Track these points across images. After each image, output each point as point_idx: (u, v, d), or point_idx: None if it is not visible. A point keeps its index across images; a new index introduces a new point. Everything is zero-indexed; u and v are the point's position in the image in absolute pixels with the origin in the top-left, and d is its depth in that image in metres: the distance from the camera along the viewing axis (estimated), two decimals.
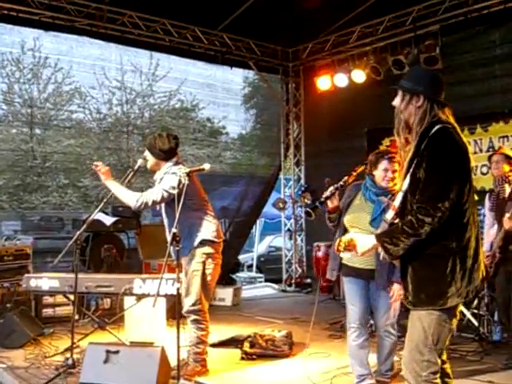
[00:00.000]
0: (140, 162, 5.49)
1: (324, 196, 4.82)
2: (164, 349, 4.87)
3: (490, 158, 6.65)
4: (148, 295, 5.66)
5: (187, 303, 5.34)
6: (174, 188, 4.97)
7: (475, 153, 8.70)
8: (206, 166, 5.06)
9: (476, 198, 3.26)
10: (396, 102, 3.29)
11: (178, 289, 4.65)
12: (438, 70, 8.64)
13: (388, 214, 3.28)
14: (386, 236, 3.13)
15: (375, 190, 4.77)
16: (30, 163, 20.56)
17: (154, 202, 5.25)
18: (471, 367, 5.71)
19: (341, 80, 9.96)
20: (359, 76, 9.61)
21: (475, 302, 6.65)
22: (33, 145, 20.65)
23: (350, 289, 4.91)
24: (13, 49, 19.81)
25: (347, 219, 4.82)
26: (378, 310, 4.89)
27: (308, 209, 4.91)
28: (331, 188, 4.83)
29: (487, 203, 6.63)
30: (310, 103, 11.37)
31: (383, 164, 4.78)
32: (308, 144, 11.62)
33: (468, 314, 6.78)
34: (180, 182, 4.96)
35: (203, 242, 5.35)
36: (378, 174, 4.77)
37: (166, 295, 5.47)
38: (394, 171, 4.73)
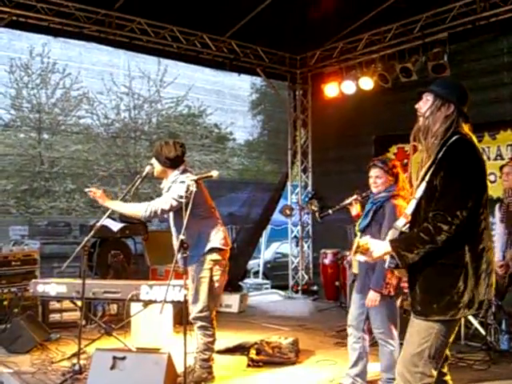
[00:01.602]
0: (148, 168, 5.49)
1: (336, 207, 5.16)
2: (170, 355, 4.87)
3: (501, 168, 6.63)
4: (155, 301, 5.67)
5: (195, 310, 5.34)
6: (182, 197, 5.00)
7: None
8: (214, 173, 5.07)
9: None
10: (423, 105, 3.27)
11: (185, 295, 4.66)
12: (446, 78, 8.65)
13: (399, 221, 3.27)
14: (401, 242, 3.11)
15: (370, 196, 5.05)
16: (38, 168, 20.66)
17: (163, 211, 5.25)
18: (478, 376, 5.69)
19: (348, 87, 9.97)
20: (367, 83, 9.61)
21: (483, 311, 6.62)
22: (40, 150, 20.74)
23: (353, 291, 5.14)
24: (22, 54, 19.98)
25: (357, 224, 5.11)
26: (371, 319, 4.98)
27: (318, 216, 5.12)
28: (349, 199, 5.17)
29: (497, 213, 6.61)
30: (318, 110, 11.38)
31: (370, 172, 5.01)
32: (315, 151, 11.62)
33: (475, 323, 6.75)
34: (188, 188, 4.98)
35: (211, 250, 5.35)
36: (369, 181, 5.02)
37: (172, 302, 5.48)
38: (376, 177, 4.95)
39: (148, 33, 9.30)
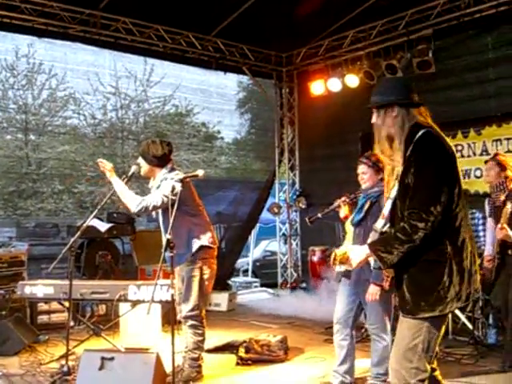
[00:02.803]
0: (134, 168, 5.48)
1: (325, 211, 5.19)
2: (159, 355, 4.87)
3: (486, 163, 6.67)
4: (143, 301, 5.67)
5: (185, 309, 5.34)
6: (171, 194, 5.01)
7: (468, 156, 8.73)
8: (200, 173, 5.07)
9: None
10: (373, 119, 3.31)
11: (172, 295, 4.66)
12: (431, 74, 8.68)
13: (378, 222, 3.27)
14: (380, 244, 3.10)
15: (362, 193, 5.09)
16: (25, 169, 20.57)
17: (155, 207, 5.25)
18: (466, 370, 5.72)
19: (334, 85, 9.99)
20: (353, 80, 9.64)
21: (470, 305, 6.66)
22: (27, 151, 20.65)
23: (339, 288, 5.14)
24: (7, 55, 19.88)
25: (347, 223, 5.19)
26: (367, 313, 5.00)
27: (308, 221, 5.15)
28: (337, 202, 5.20)
29: (487, 208, 6.65)
30: (304, 108, 11.39)
31: (358, 169, 5.08)
32: (302, 149, 11.63)
33: (463, 318, 6.80)
34: (174, 188, 4.99)
35: (201, 248, 5.36)
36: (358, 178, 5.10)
37: (160, 301, 5.48)
38: (362, 173, 5.03)
39: (133, 32, 9.27)
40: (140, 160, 5.48)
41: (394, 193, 3.18)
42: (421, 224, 2.93)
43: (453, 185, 3.06)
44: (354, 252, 3.23)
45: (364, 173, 5.00)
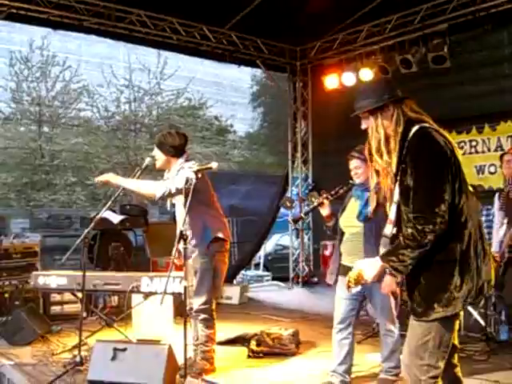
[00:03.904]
0: (148, 160, 5.46)
1: (305, 211, 5.03)
2: (171, 347, 4.88)
3: (501, 157, 6.63)
4: (155, 293, 5.68)
5: (197, 302, 5.33)
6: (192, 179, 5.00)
7: (483, 152, 8.68)
8: (214, 165, 5.06)
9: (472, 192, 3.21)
10: (366, 125, 3.20)
11: (185, 287, 4.66)
12: (446, 69, 8.64)
13: (386, 228, 3.19)
14: (391, 255, 3.02)
15: (356, 187, 5.00)
16: (38, 161, 20.68)
17: (177, 190, 5.14)
18: (478, 367, 5.70)
19: (348, 79, 9.96)
20: (367, 75, 9.59)
21: (482, 301, 6.63)
22: (41, 143, 20.75)
23: (339, 288, 5.00)
24: (21, 47, 20.00)
25: (341, 221, 5.05)
26: (375, 309, 4.96)
27: (291, 220, 5.04)
28: (320, 199, 5.08)
29: (496, 202, 6.62)
30: (318, 102, 11.36)
31: (350, 164, 5.04)
32: (315, 143, 11.61)
33: (475, 314, 6.76)
34: (187, 180, 4.98)
35: (215, 241, 5.36)
36: (351, 173, 5.04)
37: (173, 293, 5.49)
38: (355, 167, 4.98)
39: (147, 25, 9.28)
40: (156, 152, 5.44)
41: (397, 196, 3.10)
42: (429, 227, 2.87)
43: (454, 180, 2.99)
44: (367, 267, 3.14)
45: (357, 167, 4.95)
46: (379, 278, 3.21)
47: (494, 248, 6.42)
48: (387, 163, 3.11)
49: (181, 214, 5.34)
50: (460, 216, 2.99)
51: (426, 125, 3.06)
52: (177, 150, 5.40)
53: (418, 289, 3.03)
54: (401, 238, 2.99)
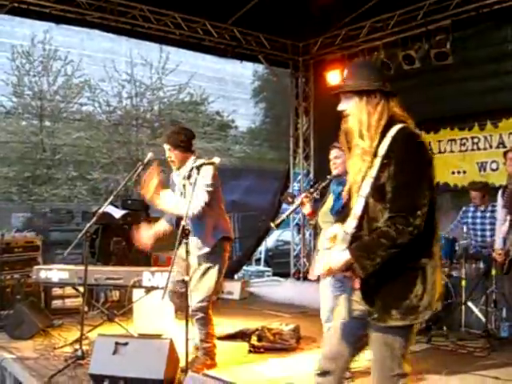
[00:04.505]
0: (150, 155, 5.43)
1: (286, 213, 4.96)
2: (172, 341, 4.89)
3: (505, 154, 6.64)
4: (157, 288, 5.69)
5: (196, 299, 5.27)
6: (209, 185, 5.11)
7: (485, 149, 8.68)
8: (216, 160, 5.05)
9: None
10: (345, 107, 3.02)
11: (186, 282, 4.66)
12: (449, 65, 8.62)
13: (349, 223, 2.97)
14: (362, 250, 2.83)
15: (333, 181, 5.07)
16: (40, 155, 20.66)
17: (206, 203, 5.14)
18: (478, 363, 5.72)
19: None
20: None
21: (483, 298, 6.65)
22: (42, 137, 20.73)
23: (320, 286, 5.03)
24: (23, 41, 19.95)
25: (319, 217, 5.09)
26: None
27: (273, 225, 4.95)
28: (299, 199, 5.04)
29: (500, 200, 6.62)
30: (320, 98, 11.34)
31: (329, 155, 5.19)
32: (317, 138, 11.59)
33: (476, 310, 6.78)
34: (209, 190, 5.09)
35: (224, 239, 5.35)
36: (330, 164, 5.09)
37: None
38: (334, 157, 5.10)
39: (150, 20, 9.27)
40: (172, 153, 5.30)
41: (366, 190, 2.91)
42: (407, 228, 2.73)
43: (432, 186, 2.87)
44: (333, 258, 2.92)
45: (337, 157, 4.94)
46: (346, 270, 2.94)
47: (498, 245, 6.44)
48: (369, 148, 2.92)
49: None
50: (431, 225, 2.87)
51: (412, 126, 2.94)
52: (191, 145, 5.39)
53: (378, 292, 2.88)
54: (374, 236, 2.83)
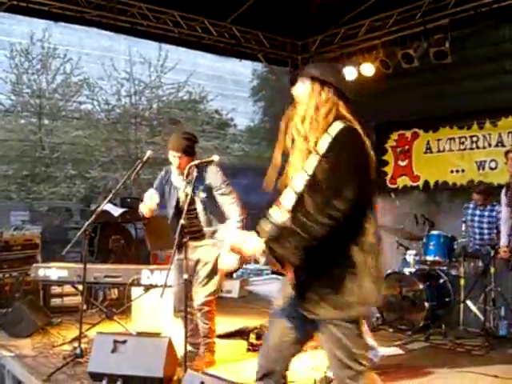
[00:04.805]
0: (149, 153, 5.44)
1: None
2: (171, 339, 4.89)
3: (506, 153, 6.69)
4: (156, 286, 5.70)
5: (204, 293, 5.30)
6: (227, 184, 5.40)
7: (484, 148, 8.69)
8: (215, 158, 5.07)
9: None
10: (299, 90, 3.05)
11: (185, 279, 4.67)
12: (448, 64, 8.62)
13: (276, 214, 2.98)
14: (275, 238, 2.81)
15: None
16: (39, 154, 20.67)
17: None
18: (477, 361, 5.73)
19: (350, 73, 9.92)
20: (368, 69, 9.58)
21: (482, 296, 6.66)
22: (41, 135, 20.74)
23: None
24: (22, 39, 19.94)
25: None
26: None
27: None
28: None
29: (503, 198, 6.68)
30: None
31: None
32: None
33: (474, 309, 6.79)
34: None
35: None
36: None
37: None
38: None
39: (149, 18, 9.26)
40: (180, 160, 5.27)
41: (300, 185, 2.90)
42: (324, 220, 2.70)
43: (365, 185, 2.85)
44: (250, 241, 2.88)
45: None
46: (255, 258, 2.92)
47: (503, 242, 6.50)
48: (304, 140, 2.93)
49: (204, 210, 5.32)
50: (364, 223, 2.88)
51: (351, 123, 2.96)
52: (195, 149, 5.41)
53: (313, 287, 2.86)
54: (289, 224, 2.82)
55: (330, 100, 3.00)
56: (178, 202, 5.39)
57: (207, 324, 5.38)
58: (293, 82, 3.20)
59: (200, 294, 5.32)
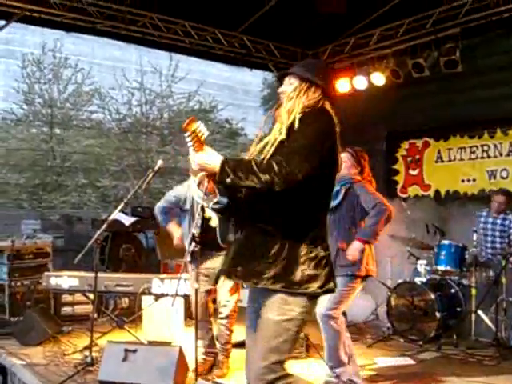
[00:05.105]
0: (160, 162, 5.45)
1: None
2: (182, 348, 4.90)
3: None
4: (166, 295, 5.71)
5: (234, 299, 5.51)
6: None
7: (495, 156, 8.66)
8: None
9: None
10: (287, 88, 3.07)
11: (196, 289, 4.68)
12: (458, 74, 8.62)
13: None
14: (233, 165, 2.73)
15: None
16: (50, 163, 20.77)
17: None
18: (488, 372, 5.69)
19: (360, 82, 9.93)
20: (379, 79, 9.58)
21: (493, 306, 6.63)
22: (53, 144, 20.85)
23: None
24: (34, 50, 20.09)
25: None
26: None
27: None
28: None
29: None
30: None
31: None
32: None
33: (486, 319, 6.75)
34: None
35: None
36: None
37: (184, 295, 5.52)
38: (342, 161, 4.98)
39: (160, 28, 9.31)
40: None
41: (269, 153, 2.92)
42: (276, 168, 2.67)
43: (328, 160, 2.89)
44: (210, 155, 2.80)
45: (344, 161, 5.01)
46: (200, 169, 2.83)
47: None
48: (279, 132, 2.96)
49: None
50: (322, 211, 2.94)
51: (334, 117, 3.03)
52: None
53: (267, 255, 2.82)
54: (255, 160, 2.80)
55: (315, 99, 3.03)
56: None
57: (231, 331, 5.45)
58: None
59: (230, 302, 5.42)
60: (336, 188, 4.95)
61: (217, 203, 2.90)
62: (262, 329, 2.92)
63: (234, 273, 2.93)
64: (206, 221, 4.84)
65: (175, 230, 5.76)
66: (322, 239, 2.95)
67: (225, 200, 2.89)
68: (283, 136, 2.90)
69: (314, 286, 2.88)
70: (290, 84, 3.07)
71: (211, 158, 2.76)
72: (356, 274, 4.80)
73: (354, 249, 4.77)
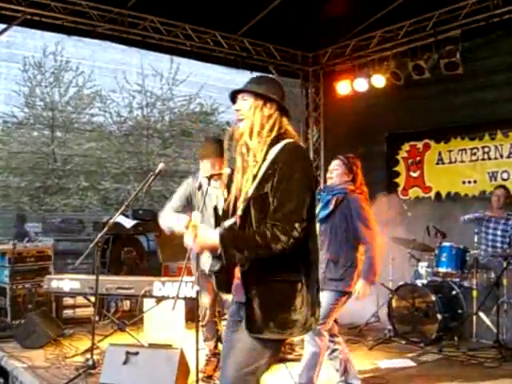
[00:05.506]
0: (161, 165, 5.44)
1: None
2: (183, 351, 4.90)
3: None
4: (167, 298, 5.71)
5: None
6: None
7: (495, 158, 8.66)
8: (227, 170, 5.07)
9: None
10: (240, 107, 3.04)
11: (197, 291, 4.68)
12: (459, 76, 8.62)
13: (227, 221, 3.01)
14: (233, 238, 2.83)
15: (326, 189, 5.07)
16: (51, 166, 20.76)
17: None
18: (489, 374, 5.69)
19: (361, 85, 9.95)
20: (379, 81, 9.59)
21: (494, 308, 6.63)
22: (54, 147, 20.83)
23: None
24: (35, 53, 20.08)
25: None
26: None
27: None
28: None
29: None
30: (330, 108, 11.37)
31: (331, 164, 5.12)
32: (327, 149, 11.60)
33: (487, 321, 6.75)
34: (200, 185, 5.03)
35: None
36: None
37: (185, 298, 5.52)
38: (333, 169, 5.04)
39: (161, 31, 9.33)
40: (218, 161, 5.30)
41: (251, 191, 2.93)
42: (284, 237, 2.73)
43: (313, 202, 2.91)
44: (205, 231, 2.89)
45: (335, 169, 4.99)
46: (201, 250, 2.96)
47: None
48: (254, 158, 2.96)
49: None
50: (308, 240, 2.90)
51: (299, 142, 3.01)
52: None
53: (255, 302, 2.85)
54: (251, 230, 2.84)
55: (273, 117, 3.01)
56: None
57: None
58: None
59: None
60: (327, 197, 4.94)
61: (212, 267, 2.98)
62: (240, 343, 2.94)
63: (266, 328, 2.85)
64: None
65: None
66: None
67: (218, 265, 2.94)
68: (262, 172, 2.90)
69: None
70: (244, 100, 3.03)
71: (207, 235, 2.86)
72: (345, 290, 4.76)
73: (363, 291, 4.70)
